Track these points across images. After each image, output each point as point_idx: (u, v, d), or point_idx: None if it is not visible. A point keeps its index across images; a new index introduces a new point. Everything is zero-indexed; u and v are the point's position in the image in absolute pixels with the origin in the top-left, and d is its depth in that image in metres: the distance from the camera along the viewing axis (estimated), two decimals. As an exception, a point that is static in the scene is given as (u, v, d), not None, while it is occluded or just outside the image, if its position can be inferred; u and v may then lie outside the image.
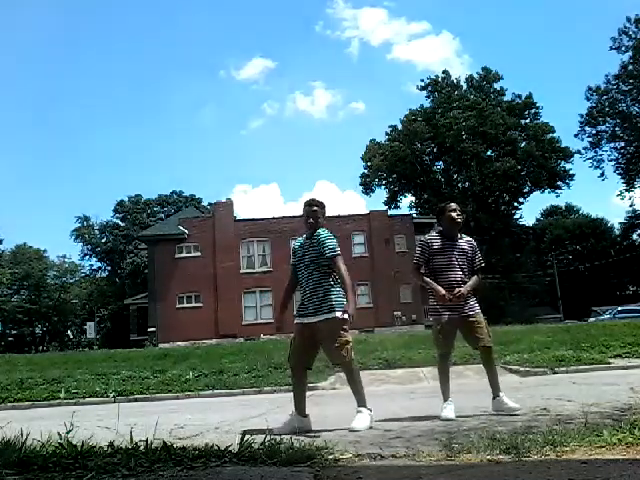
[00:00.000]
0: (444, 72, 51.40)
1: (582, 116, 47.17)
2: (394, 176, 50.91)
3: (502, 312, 38.73)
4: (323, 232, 4.43)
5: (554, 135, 47.53)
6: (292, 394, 4.37)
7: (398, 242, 31.42)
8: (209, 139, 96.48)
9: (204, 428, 4.43)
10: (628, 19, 44.17)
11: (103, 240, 57.90)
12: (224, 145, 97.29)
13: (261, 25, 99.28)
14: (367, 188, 51.49)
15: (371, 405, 4.20)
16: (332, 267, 4.32)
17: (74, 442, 2.79)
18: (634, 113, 46.04)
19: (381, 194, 61.81)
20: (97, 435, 3.35)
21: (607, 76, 45.76)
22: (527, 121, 49.17)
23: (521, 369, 8.59)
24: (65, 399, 8.36)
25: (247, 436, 2.97)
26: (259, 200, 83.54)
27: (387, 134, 51.03)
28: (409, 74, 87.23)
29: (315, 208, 4.50)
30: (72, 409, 6.19)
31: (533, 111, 49.21)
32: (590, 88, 46.68)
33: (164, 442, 2.79)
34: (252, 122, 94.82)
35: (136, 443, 2.81)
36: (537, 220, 61.54)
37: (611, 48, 44.82)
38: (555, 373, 8.21)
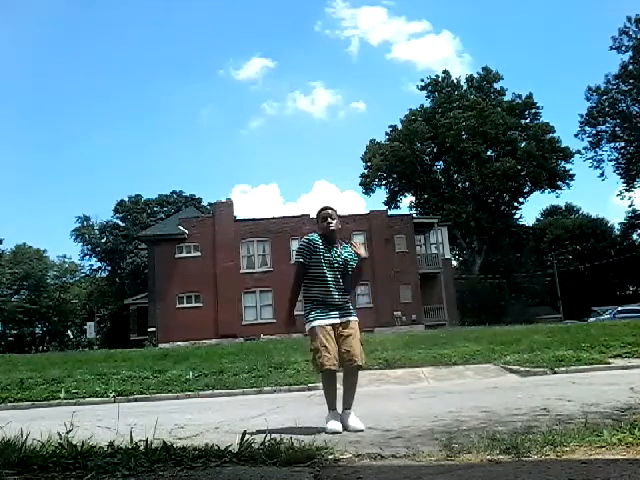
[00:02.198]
0: (444, 72, 51.49)
1: (582, 116, 47.27)
2: (394, 176, 50.98)
3: (502, 312, 38.80)
4: (346, 245, 4.53)
5: (554, 135, 47.63)
6: (324, 394, 4.26)
7: (398, 242, 31.43)
8: (209, 139, 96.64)
9: (204, 428, 4.43)
10: (628, 19, 44.25)
11: (103, 240, 57.81)
12: (224, 145, 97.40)
13: (260, 25, 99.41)
14: (367, 188, 51.56)
15: (371, 405, 4.21)
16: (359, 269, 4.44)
17: (74, 442, 2.80)
18: (634, 113, 46.06)
19: (381, 194, 61.99)
20: (97, 435, 3.35)
21: (607, 76, 45.86)
22: (527, 121, 49.23)
23: (521, 369, 8.57)
24: (65, 399, 8.35)
25: (247, 436, 2.97)
26: (259, 200, 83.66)
27: (387, 134, 51.11)
28: (409, 74, 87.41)
29: (331, 211, 4.43)
30: (72, 409, 6.20)
31: (533, 111, 49.27)
32: (590, 88, 46.76)
33: (164, 442, 2.79)
34: (252, 122, 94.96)
35: (136, 443, 2.81)
36: (537, 220, 61.58)
37: (611, 48, 44.91)
38: (555, 373, 8.20)
